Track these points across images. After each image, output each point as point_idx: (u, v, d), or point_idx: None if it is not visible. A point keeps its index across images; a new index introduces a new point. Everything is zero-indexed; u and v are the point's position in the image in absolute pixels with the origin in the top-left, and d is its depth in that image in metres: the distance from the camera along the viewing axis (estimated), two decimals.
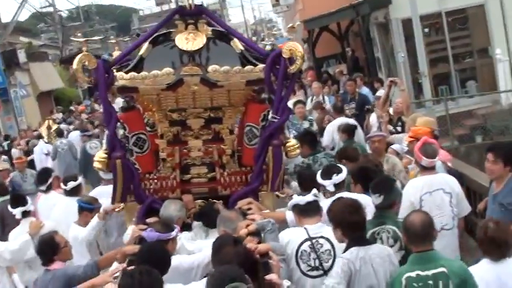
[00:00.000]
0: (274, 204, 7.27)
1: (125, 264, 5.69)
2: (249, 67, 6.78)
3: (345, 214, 5.55)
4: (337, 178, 6.94)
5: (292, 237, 6.06)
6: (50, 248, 6.62)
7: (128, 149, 7.17)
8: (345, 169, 7.17)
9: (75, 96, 47.66)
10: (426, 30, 19.70)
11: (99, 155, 7.14)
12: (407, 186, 7.37)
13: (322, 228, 6.06)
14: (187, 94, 6.97)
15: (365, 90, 17.36)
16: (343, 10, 23.26)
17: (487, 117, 18.35)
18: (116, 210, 7.45)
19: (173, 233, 5.96)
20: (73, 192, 9.71)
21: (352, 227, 5.54)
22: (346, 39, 28.29)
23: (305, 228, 6.05)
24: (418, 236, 5.33)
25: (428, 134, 8.74)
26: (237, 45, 7.00)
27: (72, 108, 37.34)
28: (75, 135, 20.27)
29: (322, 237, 6.01)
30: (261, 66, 6.80)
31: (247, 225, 5.81)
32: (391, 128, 11.52)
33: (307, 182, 7.48)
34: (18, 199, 9.20)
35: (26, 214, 8.92)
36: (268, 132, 6.92)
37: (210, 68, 6.70)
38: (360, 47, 25.65)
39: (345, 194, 6.57)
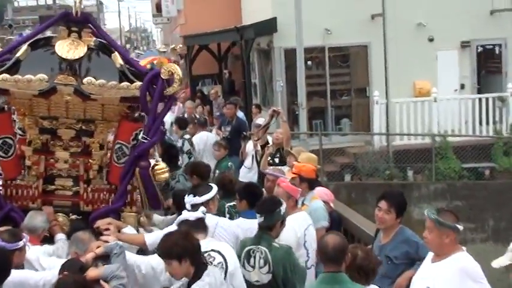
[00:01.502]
0: (137, 225, 7.08)
1: None
2: (124, 83, 6.58)
3: (188, 243, 5.42)
4: (193, 199, 6.81)
5: None
6: None
7: None
8: (211, 192, 7.03)
9: None
10: (309, 62, 19.55)
11: None
12: (291, 222, 7.12)
13: (211, 242, 6.14)
14: (60, 103, 6.66)
15: (240, 114, 16.97)
16: (226, 31, 22.88)
17: (358, 156, 18.45)
18: None
19: (20, 243, 5.77)
20: None
21: (197, 253, 5.47)
22: (225, 60, 27.98)
23: None
24: (328, 257, 5.45)
25: (312, 171, 8.37)
26: (117, 59, 6.74)
27: None
28: None
29: (213, 250, 6.03)
30: (137, 84, 6.57)
31: (98, 247, 5.88)
32: (268, 158, 11.08)
33: (182, 201, 7.24)
34: None
35: None
36: (136, 153, 6.74)
37: (85, 79, 6.44)
38: (238, 70, 25.38)
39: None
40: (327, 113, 20.31)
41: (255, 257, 6.50)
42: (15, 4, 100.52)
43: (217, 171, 11.37)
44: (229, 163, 11.63)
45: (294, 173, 8.24)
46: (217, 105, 21.74)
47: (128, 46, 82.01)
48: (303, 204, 8.11)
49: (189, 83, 28.11)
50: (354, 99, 20.65)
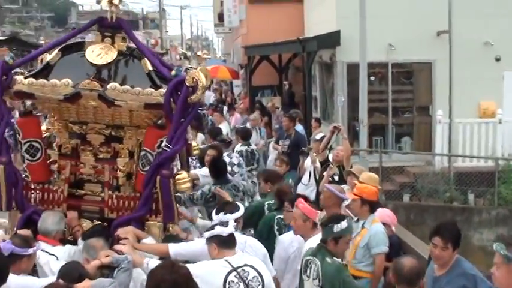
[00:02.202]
0: (161, 235, 6.93)
1: None
2: (148, 90, 6.48)
3: (176, 275, 5.07)
4: (224, 217, 6.64)
5: (214, 270, 5.86)
6: None
7: (21, 155, 6.98)
8: (240, 210, 6.97)
9: None
10: (372, 78, 19.13)
11: None
12: (311, 244, 7.07)
13: (243, 257, 6.07)
14: (88, 108, 6.61)
15: (299, 128, 16.72)
16: (289, 43, 22.65)
17: (418, 176, 17.88)
18: None
19: (30, 250, 5.89)
20: None
21: (190, 284, 5.15)
22: (286, 72, 27.76)
23: (226, 260, 5.90)
24: (402, 279, 5.74)
25: (374, 194, 8.02)
26: (147, 65, 6.73)
27: None
28: None
29: (246, 265, 5.96)
30: (161, 90, 6.41)
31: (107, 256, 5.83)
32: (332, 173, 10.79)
33: None
34: None
35: None
36: (158, 161, 6.56)
37: (109, 85, 6.35)
38: (299, 82, 25.13)
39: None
40: (388, 130, 19.84)
41: (310, 268, 6.62)
42: (80, 8, 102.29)
43: None
44: (290, 180, 11.39)
45: (355, 195, 7.93)
46: (276, 117, 21.54)
47: (188, 53, 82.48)
48: (362, 227, 7.82)
49: (248, 93, 28.02)
50: (416, 117, 20.08)
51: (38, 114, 7.53)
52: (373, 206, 8.01)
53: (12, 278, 5.45)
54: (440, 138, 18.57)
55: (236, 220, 6.91)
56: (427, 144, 19.52)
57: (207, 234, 6.10)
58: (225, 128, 16.89)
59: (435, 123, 18.84)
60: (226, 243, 6.00)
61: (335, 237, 6.53)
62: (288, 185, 9.63)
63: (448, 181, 17.71)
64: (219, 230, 6.03)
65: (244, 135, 14.26)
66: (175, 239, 7.00)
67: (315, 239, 7.04)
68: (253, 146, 13.97)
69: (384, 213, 8.56)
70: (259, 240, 8.09)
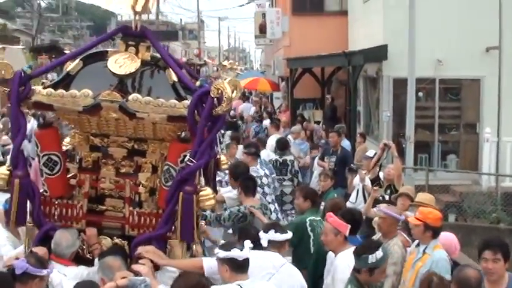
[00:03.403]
0: (186, 254, 6.62)
1: None
2: (172, 101, 6.13)
3: None
4: (274, 236, 6.73)
5: None
6: None
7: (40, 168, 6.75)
8: (290, 233, 7.02)
9: None
10: (419, 94, 18.73)
11: (1, 170, 6.51)
12: (345, 259, 6.95)
13: (255, 283, 5.95)
14: (110, 120, 6.35)
15: (346, 143, 16.43)
16: (334, 56, 22.37)
17: (464, 196, 17.43)
18: None
19: (44, 272, 5.75)
20: None
21: None
22: (328, 85, 27.46)
23: (238, 284, 5.76)
24: None
25: (438, 219, 7.65)
26: (171, 76, 6.41)
27: None
28: None
29: None
30: (185, 102, 6.10)
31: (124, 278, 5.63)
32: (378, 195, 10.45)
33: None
34: None
35: None
36: (180, 176, 6.17)
37: (131, 96, 6.06)
38: (341, 96, 24.81)
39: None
40: (434, 147, 19.41)
41: None
42: (119, 18, 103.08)
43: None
44: (335, 195, 11.10)
45: (418, 219, 7.53)
46: (315, 132, 21.27)
47: (225, 63, 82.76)
48: (424, 252, 7.46)
49: (289, 106, 27.81)
50: (462, 134, 19.67)
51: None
52: (436, 232, 7.61)
53: None
54: (488, 157, 18.14)
55: (285, 242, 6.91)
56: (473, 163, 19.11)
57: (222, 254, 5.89)
58: (273, 139, 16.62)
59: (482, 141, 18.44)
60: (240, 267, 5.86)
61: (370, 268, 6.25)
62: (342, 199, 9.39)
63: (495, 201, 17.24)
64: (236, 254, 5.84)
65: (280, 145, 14.14)
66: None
67: (346, 254, 6.88)
68: (287, 157, 13.68)
69: (448, 240, 8.10)
70: (316, 259, 7.87)
